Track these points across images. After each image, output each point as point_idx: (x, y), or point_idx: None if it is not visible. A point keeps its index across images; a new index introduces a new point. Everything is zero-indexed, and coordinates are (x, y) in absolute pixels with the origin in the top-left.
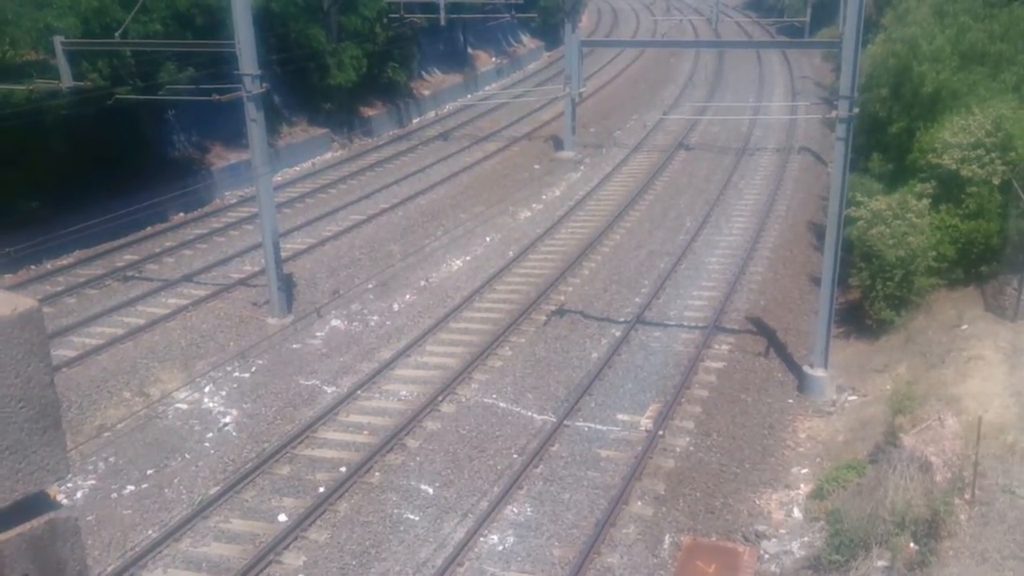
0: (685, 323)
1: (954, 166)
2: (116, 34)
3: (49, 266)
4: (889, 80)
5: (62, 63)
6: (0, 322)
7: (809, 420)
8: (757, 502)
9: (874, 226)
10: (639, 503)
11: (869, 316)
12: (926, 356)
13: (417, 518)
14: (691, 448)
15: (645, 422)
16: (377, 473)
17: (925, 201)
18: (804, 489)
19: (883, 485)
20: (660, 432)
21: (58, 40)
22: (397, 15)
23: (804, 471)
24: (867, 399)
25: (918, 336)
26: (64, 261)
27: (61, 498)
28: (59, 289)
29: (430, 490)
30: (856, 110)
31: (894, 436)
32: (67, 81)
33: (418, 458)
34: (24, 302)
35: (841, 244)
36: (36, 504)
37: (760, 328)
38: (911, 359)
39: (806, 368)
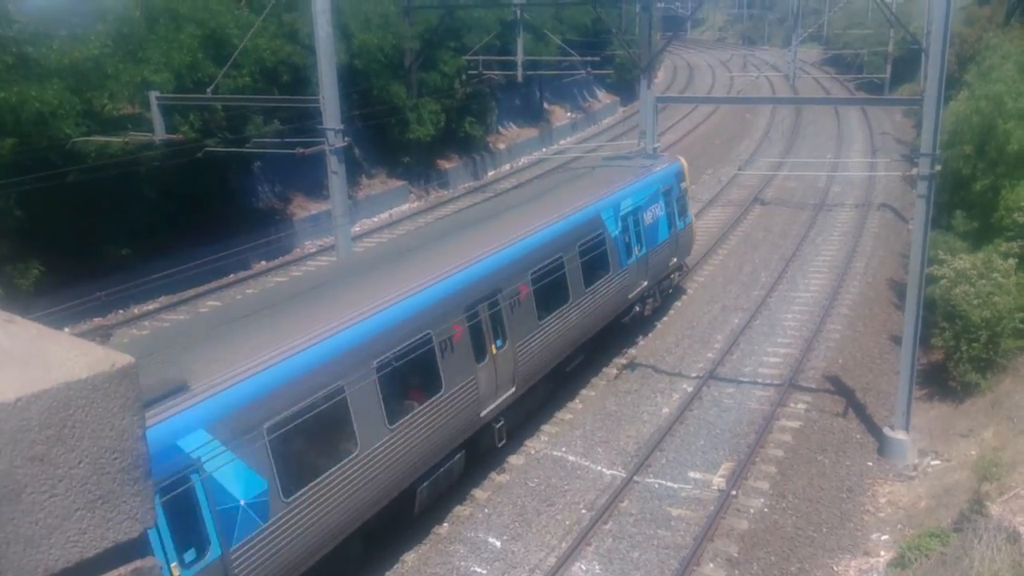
0: (759, 380)
1: None
2: (208, 89)
3: (136, 311)
4: (973, 137)
5: (156, 117)
6: (99, 377)
7: (890, 484)
8: (835, 568)
9: (958, 285)
10: (711, 565)
11: (953, 378)
12: (1014, 421)
13: (484, 572)
14: (765, 509)
15: (718, 481)
16: (446, 524)
17: (1011, 261)
18: (884, 556)
19: (968, 556)
20: (733, 492)
21: (153, 95)
22: (476, 71)
23: (884, 537)
24: (951, 464)
25: (1005, 400)
26: (150, 306)
27: None
28: (144, 333)
29: (498, 543)
30: (938, 167)
31: (980, 504)
32: (160, 134)
33: (486, 510)
34: (121, 358)
35: (923, 303)
36: (124, 552)
37: (838, 387)
38: (998, 424)
39: (887, 430)
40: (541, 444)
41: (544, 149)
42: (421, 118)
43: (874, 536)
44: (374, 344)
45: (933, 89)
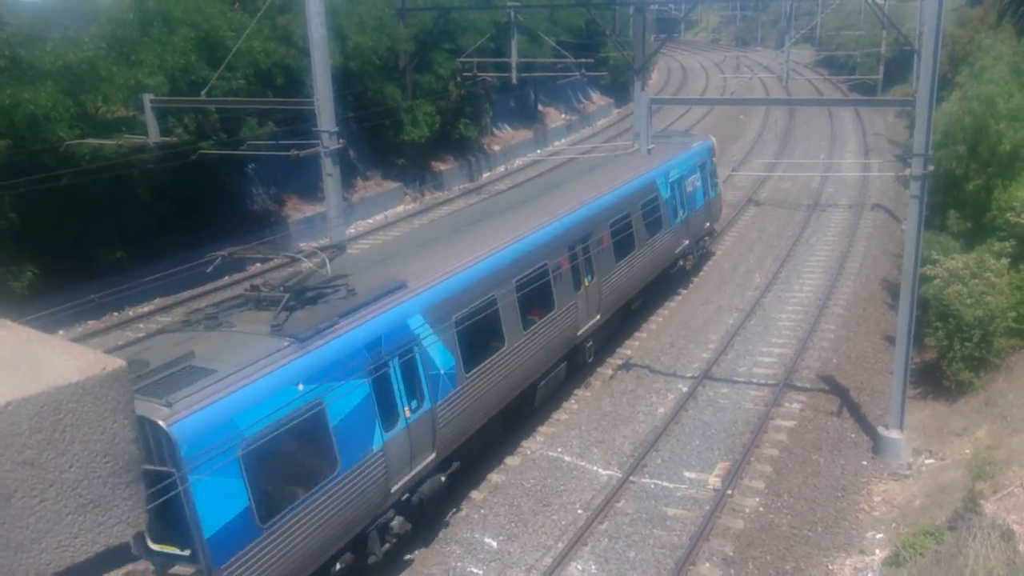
0: (754, 380)
1: None
2: (202, 92)
3: (131, 313)
4: (965, 138)
5: (150, 119)
6: (91, 381)
7: (884, 483)
8: (830, 567)
9: (951, 285)
10: (707, 564)
11: (947, 377)
12: (1007, 420)
13: (481, 572)
14: (761, 509)
15: (713, 480)
16: (442, 525)
17: (1004, 260)
18: (879, 555)
19: (963, 553)
20: (729, 491)
21: (147, 98)
22: (470, 73)
23: (879, 536)
24: (945, 463)
25: (998, 399)
26: (145, 308)
27: None
28: (139, 335)
29: (494, 544)
30: (931, 168)
31: (974, 502)
32: (154, 136)
33: (482, 510)
34: (112, 362)
35: (916, 303)
36: (115, 556)
37: (833, 387)
38: (991, 423)
39: (881, 429)
40: (537, 444)
41: (539, 151)
42: (416, 120)
43: (869, 535)
44: (513, 266)
45: (925, 90)
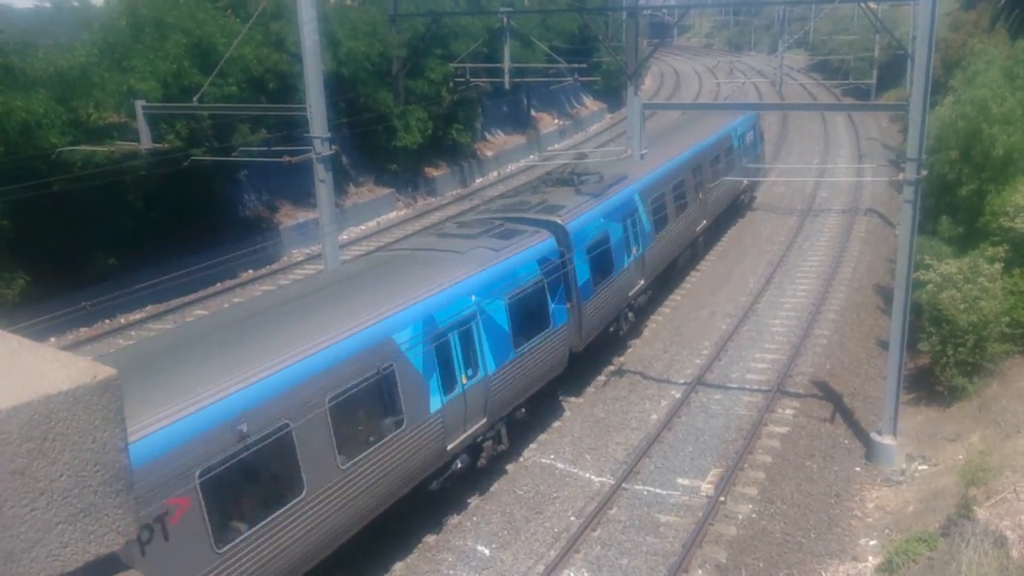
0: (747, 386)
1: None
2: (194, 98)
3: (123, 320)
4: (958, 142)
5: (142, 126)
6: (81, 389)
7: (877, 489)
8: (823, 574)
9: (944, 290)
10: (700, 571)
11: (940, 383)
12: (1000, 425)
13: None
14: (754, 515)
15: (706, 487)
16: (434, 532)
17: (997, 265)
18: (873, 562)
19: (956, 560)
20: (722, 498)
21: (139, 104)
22: (463, 79)
23: (872, 543)
24: (938, 469)
25: (992, 404)
26: (137, 315)
27: None
28: (130, 343)
29: (486, 551)
30: (924, 172)
31: (967, 509)
32: (146, 143)
33: (475, 518)
34: (103, 370)
35: (910, 308)
36: (106, 565)
37: (826, 393)
38: (984, 428)
39: (874, 435)
40: (530, 451)
41: (532, 156)
42: (408, 126)
43: (862, 541)
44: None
45: (919, 94)
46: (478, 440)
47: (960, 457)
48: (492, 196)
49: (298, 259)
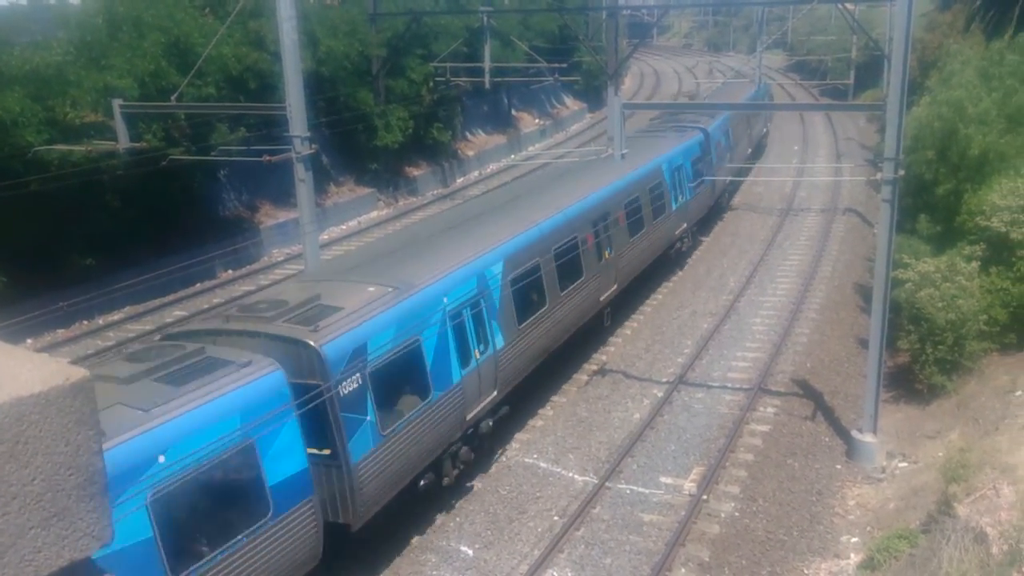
0: (729, 384)
1: (1003, 229)
2: (172, 97)
3: (101, 321)
4: (935, 142)
5: (120, 125)
6: (53, 391)
7: (858, 487)
8: (805, 571)
9: (922, 288)
10: (683, 570)
11: (919, 380)
12: (979, 422)
13: None
14: (736, 513)
15: (689, 485)
16: (417, 533)
17: (974, 264)
18: (854, 559)
19: (937, 556)
20: (704, 496)
21: (116, 103)
22: (443, 78)
23: (854, 540)
24: (918, 466)
25: (971, 402)
26: (115, 316)
27: None
28: (109, 344)
29: (470, 552)
30: (901, 172)
31: (947, 505)
32: (124, 142)
33: (458, 518)
34: (76, 372)
35: (889, 306)
36: (80, 571)
37: (807, 391)
38: (964, 425)
39: (855, 433)
40: (513, 451)
41: (512, 156)
42: (389, 125)
43: (843, 538)
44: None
45: (895, 95)
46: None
47: (940, 454)
48: (472, 196)
49: (278, 259)
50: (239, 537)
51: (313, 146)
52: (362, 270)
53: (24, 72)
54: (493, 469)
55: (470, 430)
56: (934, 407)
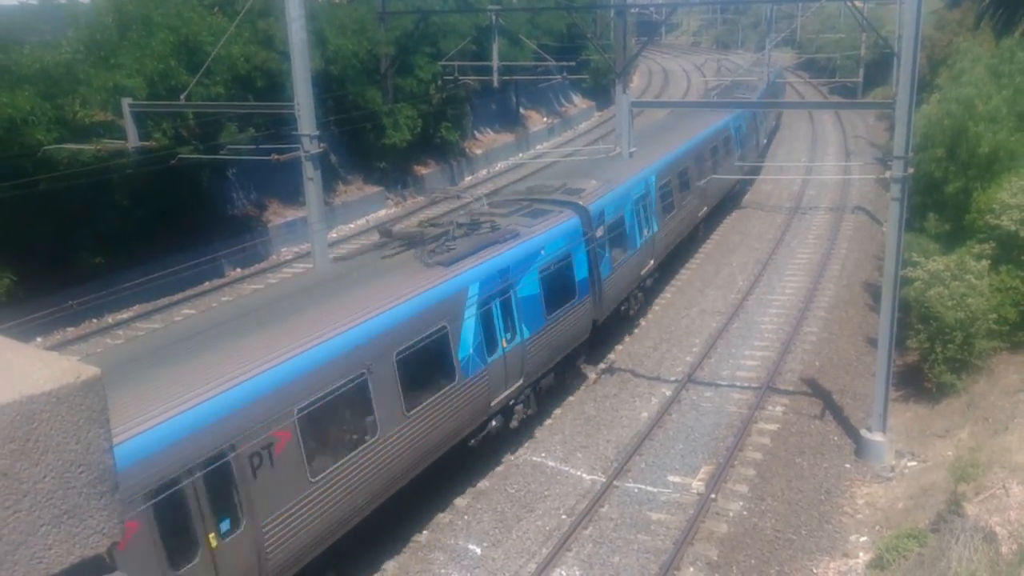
0: (737, 383)
1: (1013, 227)
2: (181, 97)
3: (110, 319)
4: (945, 140)
5: (129, 124)
6: (65, 389)
7: (867, 486)
8: (814, 571)
9: (932, 287)
10: (691, 569)
11: (928, 379)
12: (989, 421)
13: None
14: (745, 513)
15: (697, 484)
16: (425, 532)
17: (984, 262)
18: (863, 558)
19: (946, 556)
20: (712, 495)
21: (126, 102)
22: (452, 77)
23: (863, 539)
24: (927, 465)
25: (980, 401)
26: (124, 315)
27: None
28: (118, 342)
29: (478, 550)
30: (911, 170)
31: (957, 505)
32: (133, 141)
33: (466, 517)
34: (87, 370)
35: (898, 305)
36: (91, 568)
37: (815, 390)
38: (973, 424)
39: (864, 432)
40: (521, 450)
41: (520, 154)
42: (397, 124)
43: (852, 538)
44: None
45: (905, 93)
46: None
47: (949, 453)
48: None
49: (287, 257)
50: (566, 306)
51: (322, 145)
52: (581, 173)
53: (34, 71)
54: (501, 468)
55: (647, 280)
56: (943, 406)
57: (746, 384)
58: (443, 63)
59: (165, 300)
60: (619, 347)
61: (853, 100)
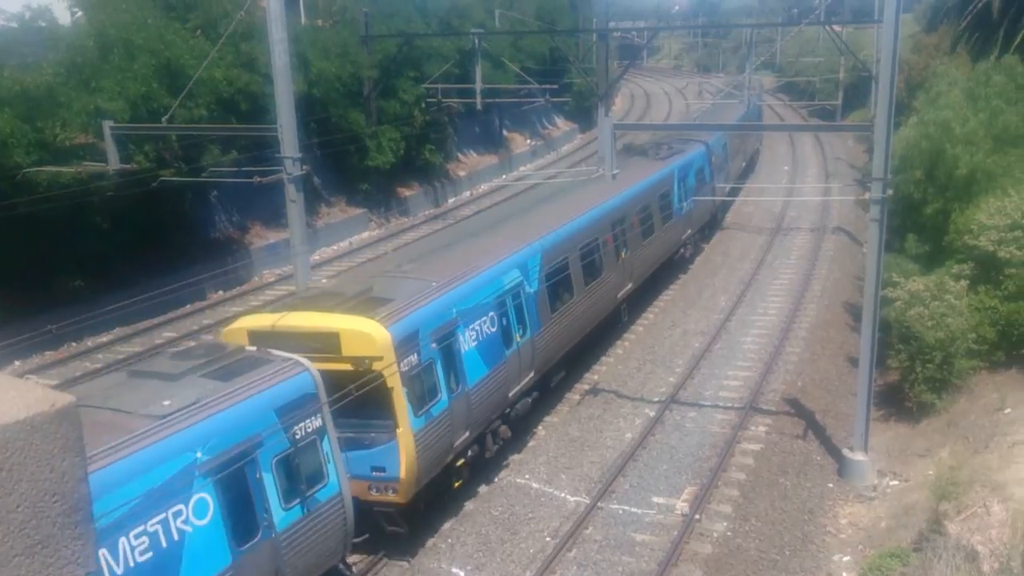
0: (721, 403)
1: (991, 248)
2: (163, 119)
3: (90, 343)
4: (923, 162)
5: (110, 146)
6: (38, 418)
7: (850, 505)
8: None
9: (912, 307)
10: None
11: (909, 399)
12: (969, 440)
13: None
14: (729, 533)
15: (681, 505)
16: (408, 555)
17: (963, 282)
18: None
19: (928, 575)
20: (697, 516)
21: (107, 124)
22: (435, 99)
23: (846, 559)
24: (909, 484)
25: (960, 420)
26: (104, 338)
27: None
28: (98, 366)
29: (462, 574)
30: (890, 192)
31: (938, 523)
32: (114, 163)
33: (449, 540)
34: (62, 398)
35: (878, 325)
36: None
37: (797, 410)
38: (954, 443)
39: (846, 451)
40: (505, 472)
41: (504, 176)
42: (380, 146)
43: (836, 557)
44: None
45: (883, 115)
46: None
47: (930, 472)
48: (464, 216)
49: (269, 280)
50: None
51: (304, 167)
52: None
53: (14, 93)
54: (485, 490)
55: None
56: (924, 425)
57: (729, 404)
58: (426, 86)
59: (146, 323)
60: (603, 368)
61: (832, 123)
